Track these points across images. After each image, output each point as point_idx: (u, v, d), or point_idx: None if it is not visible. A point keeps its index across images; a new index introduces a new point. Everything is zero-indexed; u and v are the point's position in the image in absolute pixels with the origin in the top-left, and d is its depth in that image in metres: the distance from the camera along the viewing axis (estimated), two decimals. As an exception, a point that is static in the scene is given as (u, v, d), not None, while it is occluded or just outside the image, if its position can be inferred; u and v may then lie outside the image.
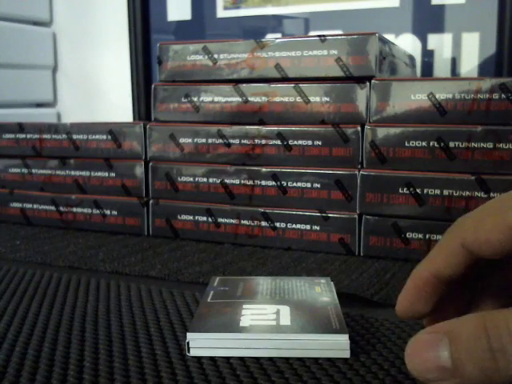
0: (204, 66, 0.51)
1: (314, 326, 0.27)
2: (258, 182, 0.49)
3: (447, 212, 0.43)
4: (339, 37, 0.46)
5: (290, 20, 0.75)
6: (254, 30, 0.77)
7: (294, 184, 0.48)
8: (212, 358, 0.26)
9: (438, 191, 0.43)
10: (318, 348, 0.25)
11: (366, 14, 0.70)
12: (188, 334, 0.26)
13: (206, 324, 0.28)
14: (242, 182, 0.50)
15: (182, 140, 0.52)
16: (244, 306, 0.30)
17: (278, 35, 0.75)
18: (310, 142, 0.47)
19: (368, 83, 0.45)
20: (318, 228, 0.47)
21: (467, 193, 0.43)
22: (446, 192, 0.43)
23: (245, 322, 0.28)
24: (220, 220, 0.51)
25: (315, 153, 0.47)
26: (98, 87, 0.91)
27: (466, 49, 0.66)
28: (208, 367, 0.25)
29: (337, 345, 0.26)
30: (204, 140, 0.51)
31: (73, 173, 0.56)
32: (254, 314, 0.28)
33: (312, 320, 0.28)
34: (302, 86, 0.48)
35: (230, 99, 0.50)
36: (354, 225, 0.46)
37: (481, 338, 0.19)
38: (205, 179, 0.51)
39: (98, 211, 0.56)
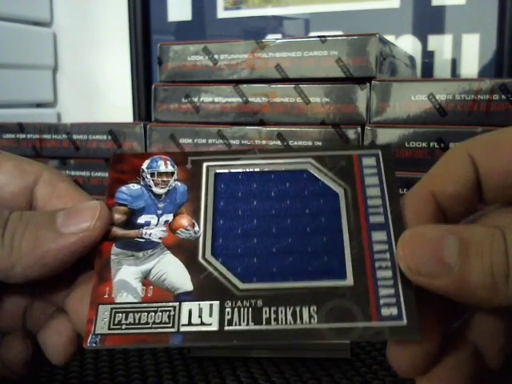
0: (204, 66, 0.51)
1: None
2: (258, 183, 0.49)
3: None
4: (339, 38, 0.47)
5: (290, 21, 0.75)
6: (255, 30, 0.77)
7: (294, 184, 0.48)
8: (212, 358, 0.26)
9: (438, 192, 0.43)
10: (318, 348, 0.25)
11: (367, 15, 0.70)
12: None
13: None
14: (242, 182, 0.50)
15: (182, 140, 0.52)
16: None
17: (279, 36, 0.75)
18: (310, 143, 0.47)
19: (368, 84, 0.45)
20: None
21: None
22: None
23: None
24: (220, 220, 0.51)
25: (315, 153, 0.47)
26: (98, 87, 0.91)
27: (467, 50, 0.66)
28: (208, 367, 0.25)
29: (337, 345, 0.26)
30: (204, 140, 0.51)
31: (73, 173, 0.56)
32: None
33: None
34: (303, 86, 0.48)
35: (230, 100, 0.50)
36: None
37: (499, 242, 0.17)
38: (205, 179, 0.51)
39: (97, 211, 0.55)
